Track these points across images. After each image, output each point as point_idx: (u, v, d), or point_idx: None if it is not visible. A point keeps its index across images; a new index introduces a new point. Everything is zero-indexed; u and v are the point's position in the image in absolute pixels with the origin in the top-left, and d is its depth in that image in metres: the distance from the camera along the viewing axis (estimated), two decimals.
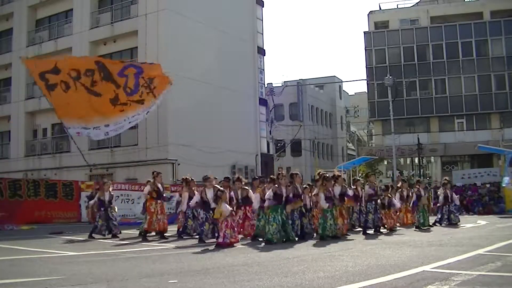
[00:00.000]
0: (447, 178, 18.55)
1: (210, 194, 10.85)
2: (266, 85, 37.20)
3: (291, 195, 10.74)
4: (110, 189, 13.30)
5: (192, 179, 12.91)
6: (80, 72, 16.87)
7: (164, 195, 12.85)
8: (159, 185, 12.41)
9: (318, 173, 11.94)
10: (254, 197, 11.47)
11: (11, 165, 30.62)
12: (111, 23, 28.32)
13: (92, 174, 27.04)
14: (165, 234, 12.31)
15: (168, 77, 19.05)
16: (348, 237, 11.55)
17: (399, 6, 48.71)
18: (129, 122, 17.70)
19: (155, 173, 12.65)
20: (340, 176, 12.34)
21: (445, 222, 15.67)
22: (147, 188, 12.31)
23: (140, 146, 26.12)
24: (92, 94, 17.04)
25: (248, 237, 11.60)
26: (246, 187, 11.92)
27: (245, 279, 5.75)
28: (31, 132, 31.44)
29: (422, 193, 15.31)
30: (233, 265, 7.17)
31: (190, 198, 12.20)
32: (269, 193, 10.52)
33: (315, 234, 11.64)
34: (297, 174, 11.23)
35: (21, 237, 12.45)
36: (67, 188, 19.06)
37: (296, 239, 10.77)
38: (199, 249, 9.56)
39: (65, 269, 6.83)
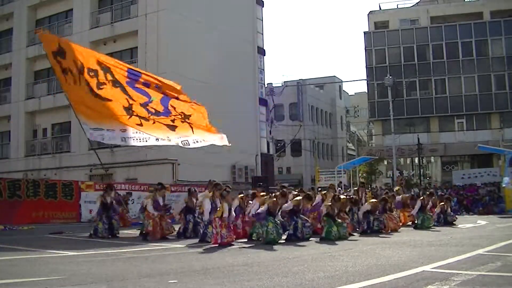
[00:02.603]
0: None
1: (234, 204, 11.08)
2: (266, 85, 37.20)
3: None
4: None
5: (195, 190, 13.10)
6: (84, 66, 13.66)
7: (164, 205, 12.71)
8: (160, 199, 12.37)
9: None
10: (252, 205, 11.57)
11: (11, 165, 30.61)
12: (111, 23, 28.31)
13: (92, 174, 27.06)
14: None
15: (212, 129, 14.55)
16: (349, 237, 11.55)
17: (399, 6, 48.73)
18: (156, 139, 14.60)
19: (160, 186, 12.56)
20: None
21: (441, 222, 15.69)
22: (148, 202, 12.16)
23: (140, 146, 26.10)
24: (99, 98, 13.66)
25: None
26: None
27: (245, 279, 5.75)
28: (31, 132, 31.43)
29: (430, 203, 15.47)
30: (233, 265, 7.17)
31: (189, 207, 12.32)
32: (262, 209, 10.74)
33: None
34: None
35: (21, 237, 12.44)
36: (67, 188, 19.03)
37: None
38: (199, 249, 9.55)
39: (65, 269, 6.82)
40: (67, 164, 28.33)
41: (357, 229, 13.18)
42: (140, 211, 13.12)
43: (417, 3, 48.43)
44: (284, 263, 7.23)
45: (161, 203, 12.36)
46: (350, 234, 11.84)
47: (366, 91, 47.04)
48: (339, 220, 11.45)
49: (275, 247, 9.60)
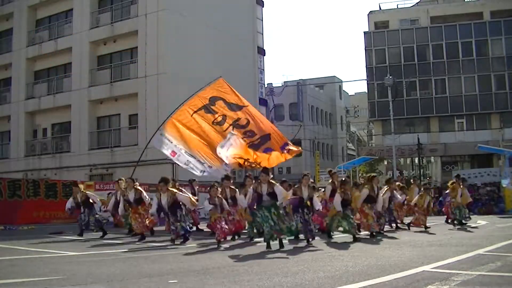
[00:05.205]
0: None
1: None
2: (266, 85, 37.20)
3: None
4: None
5: (194, 179, 13.19)
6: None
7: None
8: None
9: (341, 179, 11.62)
10: (241, 198, 10.98)
11: (11, 165, 30.61)
12: (111, 23, 28.31)
13: (92, 174, 27.06)
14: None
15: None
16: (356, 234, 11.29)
17: (399, 6, 48.69)
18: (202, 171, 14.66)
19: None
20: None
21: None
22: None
23: (140, 146, 26.09)
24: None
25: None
26: (233, 187, 12.05)
27: (245, 279, 5.75)
28: (31, 132, 31.43)
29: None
30: (233, 265, 7.17)
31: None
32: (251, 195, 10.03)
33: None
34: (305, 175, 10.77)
35: (21, 237, 12.45)
36: (67, 188, 18.99)
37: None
38: (199, 249, 9.57)
39: (65, 269, 6.83)
40: (67, 164, 28.33)
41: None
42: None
43: (417, 3, 48.40)
44: (284, 263, 7.23)
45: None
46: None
47: (366, 91, 47.02)
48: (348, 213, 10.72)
49: (275, 247, 9.59)
